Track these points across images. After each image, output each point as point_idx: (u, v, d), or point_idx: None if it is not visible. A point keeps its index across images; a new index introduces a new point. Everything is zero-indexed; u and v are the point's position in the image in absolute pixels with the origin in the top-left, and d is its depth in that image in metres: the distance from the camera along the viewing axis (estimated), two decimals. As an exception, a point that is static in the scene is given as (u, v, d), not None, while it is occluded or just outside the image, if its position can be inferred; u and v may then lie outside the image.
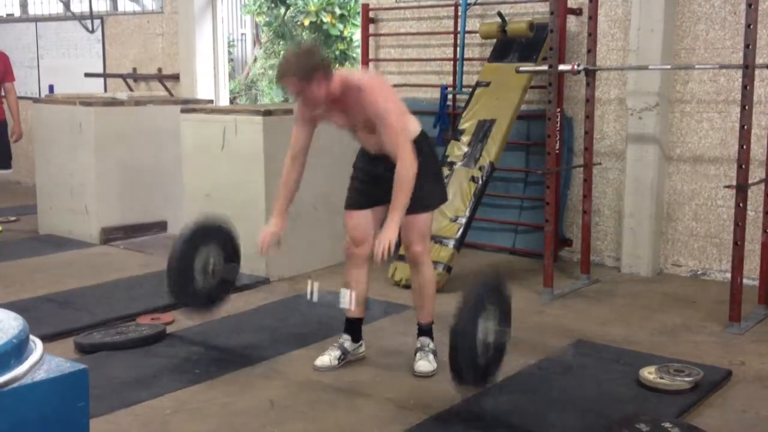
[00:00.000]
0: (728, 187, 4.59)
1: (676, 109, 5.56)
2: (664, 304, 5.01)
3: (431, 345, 3.86)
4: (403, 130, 3.51)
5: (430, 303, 3.90)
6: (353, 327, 3.94)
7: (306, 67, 3.37)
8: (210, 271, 3.91)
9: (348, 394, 3.59)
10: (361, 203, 3.80)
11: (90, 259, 6.09)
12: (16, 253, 6.24)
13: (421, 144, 3.65)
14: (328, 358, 3.87)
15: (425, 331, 3.92)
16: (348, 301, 3.67)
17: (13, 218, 7.61)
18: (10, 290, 5.10)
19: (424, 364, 3.79)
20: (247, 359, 3.98)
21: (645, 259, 5.63)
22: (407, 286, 5.22)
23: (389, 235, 3.44)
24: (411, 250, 3.74)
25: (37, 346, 1.64)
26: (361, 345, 3.97)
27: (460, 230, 5.34)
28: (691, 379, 3.57)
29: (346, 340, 3.92)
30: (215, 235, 3.98)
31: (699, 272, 5.58)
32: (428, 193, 3.69)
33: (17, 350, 1.55)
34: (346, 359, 3.90)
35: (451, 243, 5.31)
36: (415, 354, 3.85)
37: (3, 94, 7.19)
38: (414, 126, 3.70)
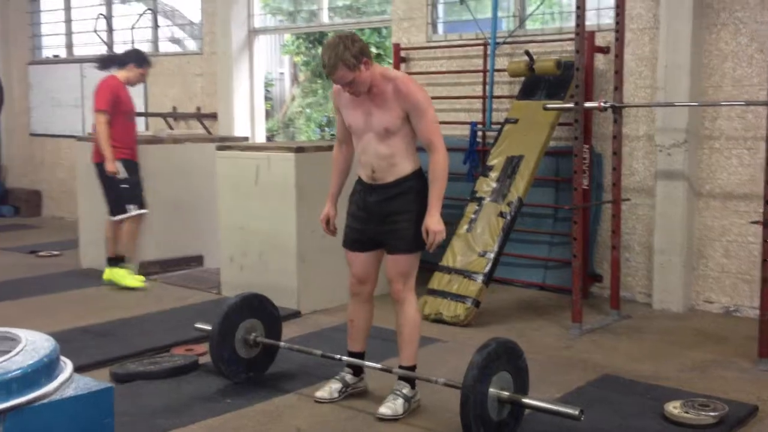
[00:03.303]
0: (755, 223, 4.59)
1: (705, 146, 5.58)
2: (694, 340, 4.99)
3: (405, 391, 3.73)
4: (436, 123, 3.64)
5: (411, 345, 3.77)
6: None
7: (355, 51, 3.50)
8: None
9: (375, 424, 3.65)
10: (359, 244, 3.85)
11: (128, 292, 6.24)
12: (59, 286, 6.46)
13: (419, 181, 3.73)
14: (328, 389, 3.91)
15: (404, 373, 3.78)
16: None
17: (56, 252, 7.86)
18: (52, 321, 5.26)
19: (390, 406, 3.67)
20: (277, 389, 4.07)
21: (676, 295, 5.62)
22: (437, 320, 5.29)
23: (434, 226, 3.57)
24: (391, 287, 3.77)
25: (67, 365, 1.75)
26: (362, 378, 4.00)
27: (489, 265, 5.40)
28: (716, 413, 3.57)
29: (347, 374, 3.96)
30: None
31: (731, 309, 5.54)
32: (415, 234, 3.66)
33: (48, 369, 1.67)
34: (347, 392, 3.94)
35: (480, 278, 5.36)
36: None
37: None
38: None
